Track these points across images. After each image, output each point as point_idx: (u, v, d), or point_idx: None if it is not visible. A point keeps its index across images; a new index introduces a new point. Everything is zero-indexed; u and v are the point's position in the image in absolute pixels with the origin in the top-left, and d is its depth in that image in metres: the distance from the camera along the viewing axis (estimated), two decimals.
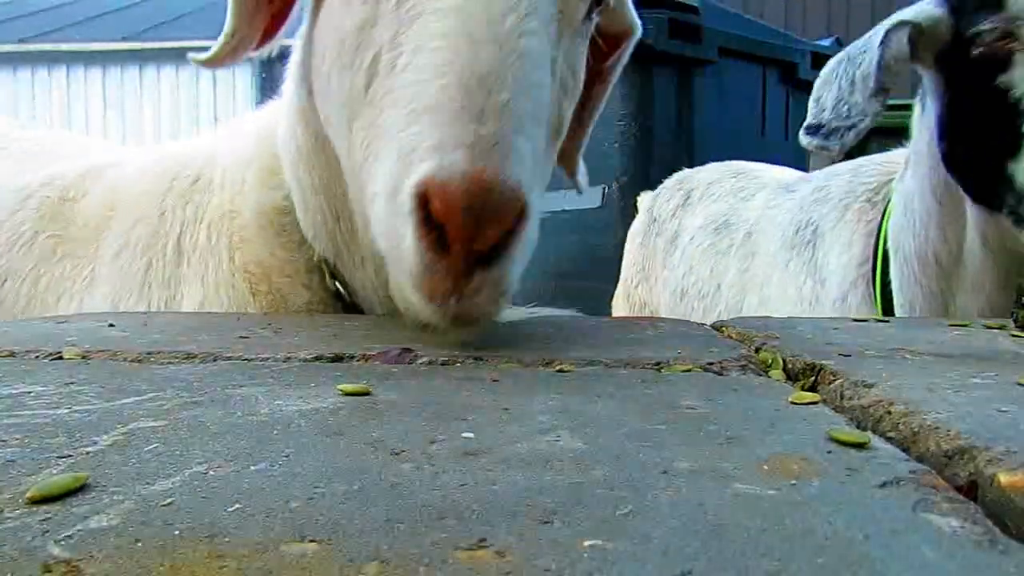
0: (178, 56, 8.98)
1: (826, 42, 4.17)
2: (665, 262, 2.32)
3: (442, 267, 0.75)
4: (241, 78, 8.91)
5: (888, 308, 1.57)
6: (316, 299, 1.18)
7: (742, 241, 2.04)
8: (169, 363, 0.75)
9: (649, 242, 2.43)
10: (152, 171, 1.40)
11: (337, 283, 1.16)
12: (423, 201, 0.74)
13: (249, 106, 8.92)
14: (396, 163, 0.78)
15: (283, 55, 1.17)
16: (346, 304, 1.17)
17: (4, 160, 1.66)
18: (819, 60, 3.11)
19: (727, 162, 2.38)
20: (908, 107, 1.66)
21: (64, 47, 9.18)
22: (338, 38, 0.91)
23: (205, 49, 1.12)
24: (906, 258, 1.51)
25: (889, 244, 1.57)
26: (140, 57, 9.13)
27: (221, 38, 1.10)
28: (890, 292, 1.56)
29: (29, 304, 1.42)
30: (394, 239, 0.78)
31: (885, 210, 1.63)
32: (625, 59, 1.27)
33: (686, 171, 2.47)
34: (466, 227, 0.73)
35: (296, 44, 1.14)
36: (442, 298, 0.76)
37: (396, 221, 0.77)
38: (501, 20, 0.80)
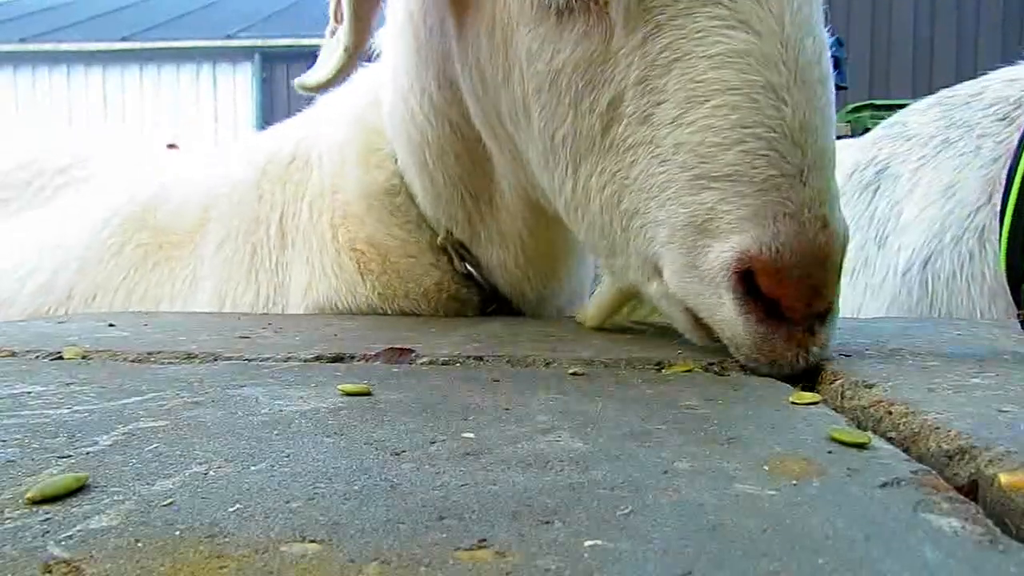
0: (178, 56, 8.99)
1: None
2: None
3: (782, 336, 0.69)
4: (242, 78, 8.91)
5: (1020, 267, 1.18)
6: (447, 278, 1.16)
7: None
8: (169, 363, 0.75)
9: None
10: (242, 161, 1.38)
11: (468, 265, 1.14)
12: (742, 275, 0.68)
13: (249, 106, 8.93)
14: (684, 229, 0.72)
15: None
16: (479, 283, 1.16)
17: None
18: None
19: None
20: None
21: (65, 47, 9.18)
22: (543, 70, 0.80)
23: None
24: None
25: None
26: (141, 57, 9.13)
27: (340, 54, 1.02)
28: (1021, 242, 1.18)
29: None
30: (705, 303, 0.73)
31: None
32: None
33: None
34: (806, 298, 0.68)
35: (399, 25, 1.09)
36: (790, 365, 0.70)
37: (702, 288, 0.72)
38: (803, 64, 0.69)
